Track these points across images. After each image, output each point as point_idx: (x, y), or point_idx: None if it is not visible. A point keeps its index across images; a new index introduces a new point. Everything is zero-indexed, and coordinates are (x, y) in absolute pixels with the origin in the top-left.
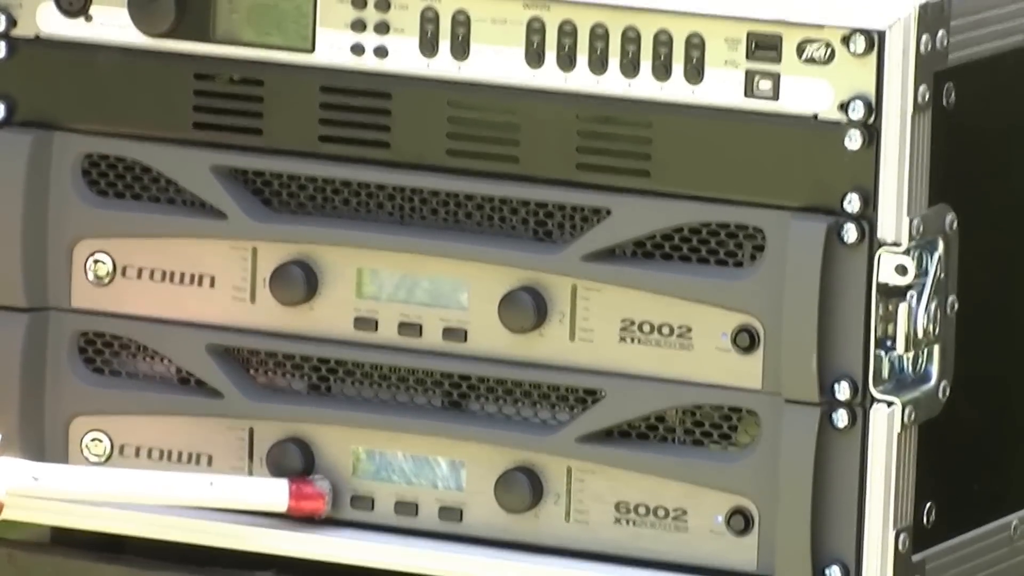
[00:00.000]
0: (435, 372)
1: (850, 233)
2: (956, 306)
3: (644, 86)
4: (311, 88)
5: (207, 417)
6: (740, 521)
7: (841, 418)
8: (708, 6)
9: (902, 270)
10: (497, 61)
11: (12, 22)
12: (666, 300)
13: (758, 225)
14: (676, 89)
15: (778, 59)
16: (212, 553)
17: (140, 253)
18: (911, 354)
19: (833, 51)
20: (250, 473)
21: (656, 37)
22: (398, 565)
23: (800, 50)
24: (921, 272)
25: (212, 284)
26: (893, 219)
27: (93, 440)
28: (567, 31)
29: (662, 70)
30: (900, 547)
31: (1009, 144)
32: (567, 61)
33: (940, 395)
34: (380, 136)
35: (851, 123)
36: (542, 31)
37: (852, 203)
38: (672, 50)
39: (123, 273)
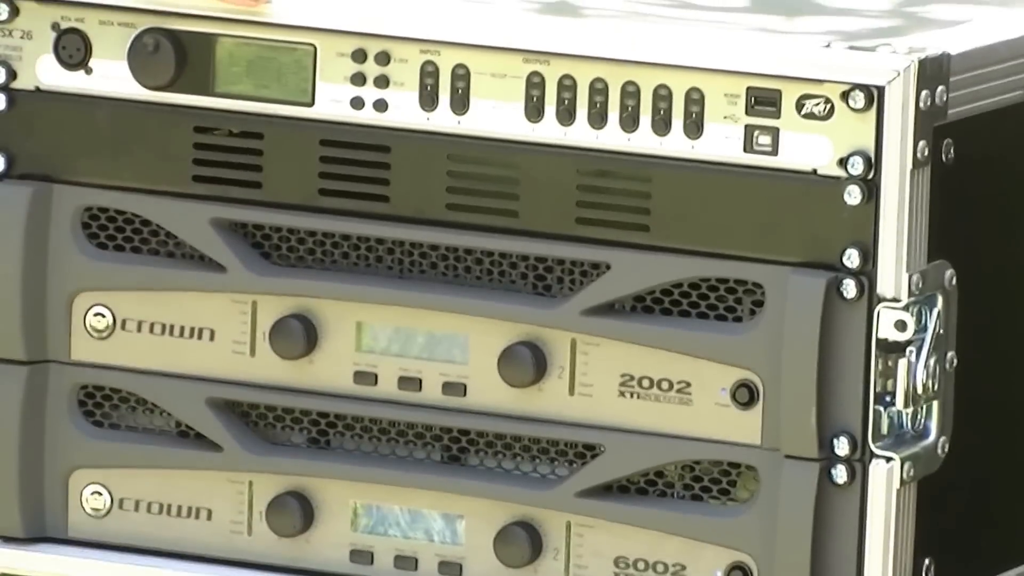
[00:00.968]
0: (434, 426)
1: (849, 288)
2: (955, 362)
3: (643, 140)
4: (311, 141)
5: (207, 471)
6: None
7: (840, 474)
8: (707, 61)
9: (901, 326)
10: (497, 115)
11: (12, 74)
12: (665, 355)
13: (757, 280)
14: (675, 144)
15: (777, 114)
16: None
17: (140, 306)
18: (910, 410)
19: (832, 106)
20: (250, 529)
21: (655, 92)
22: None
23: (799, 105)
24: (920, 328)
25: (212, 337)
26: (892, 275)
27: (93, 493)
28: (567, 85)
29: (661, 125)
30: None
31: (1009, 200)
32: (566, 115)
33: (939, 451)
34: (379, 190)
35: (850, 178)
36: (542, 85)
37: (851, 258)
38: (671, 105)
39: (123, 326)
